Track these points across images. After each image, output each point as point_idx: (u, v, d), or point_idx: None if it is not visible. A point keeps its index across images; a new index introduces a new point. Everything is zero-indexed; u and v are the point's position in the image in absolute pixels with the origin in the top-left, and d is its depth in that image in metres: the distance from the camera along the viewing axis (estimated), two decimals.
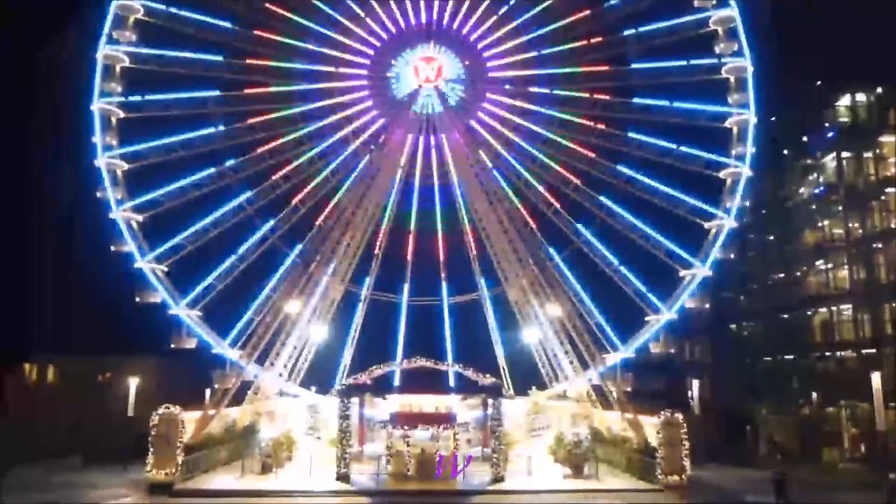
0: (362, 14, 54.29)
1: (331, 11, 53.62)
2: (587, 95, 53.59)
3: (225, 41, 51.52)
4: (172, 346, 49.95)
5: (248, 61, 52.19)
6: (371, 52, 54.73)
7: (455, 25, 55.13)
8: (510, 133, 55.35)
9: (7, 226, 64.25)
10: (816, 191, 60.03)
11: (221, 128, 51.90)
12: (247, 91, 52.29)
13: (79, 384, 62.04)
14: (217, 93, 51.75)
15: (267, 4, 52.14)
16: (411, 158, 56.93)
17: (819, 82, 60.78)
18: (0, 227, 64.05)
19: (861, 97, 58.47)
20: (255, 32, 52.07)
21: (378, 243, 57.64)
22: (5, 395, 60.30)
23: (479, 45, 55.09)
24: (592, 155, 53.06)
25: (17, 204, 68.86)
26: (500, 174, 54.68)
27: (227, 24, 51.39)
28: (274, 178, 52.64)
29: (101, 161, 48.62)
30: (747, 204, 53.01)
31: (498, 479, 39.64)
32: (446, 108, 53.55)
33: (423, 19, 54.97)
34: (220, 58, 51.44)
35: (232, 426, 47.04)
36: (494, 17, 54.85)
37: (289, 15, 52.60)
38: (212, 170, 51.29)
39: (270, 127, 52.89)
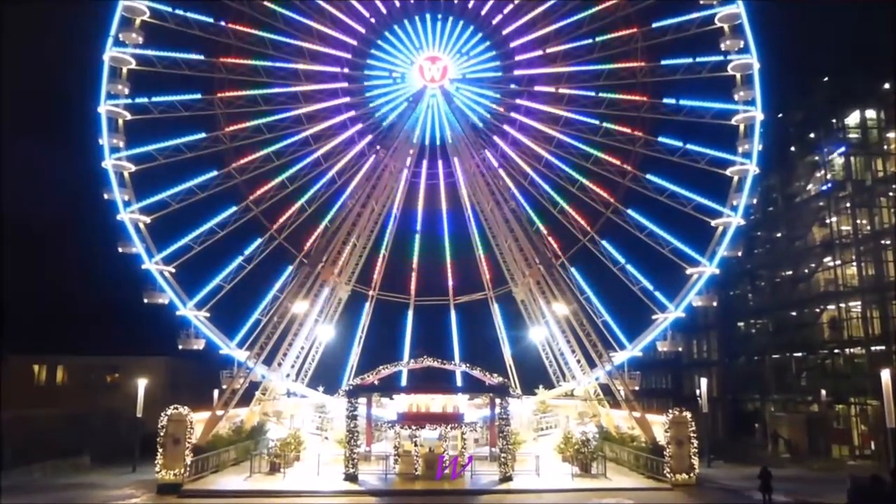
0: (367, 14, 54.29)
1: (339, 14, 53.65)
2: (592, 94, 53.57)
3: (230, 43, 51.67)
4: (180, 346, 50.29)
5: (252, 62, 52.30)
6: (376, 52, 54.77)
7: (461, 24, 55.10)
8: (515, 132, 55.38)
9: (14, 227, 64.58)
10: (824, 187, 59.74)
11: (228, 129, 52.10)
12: (252, 92, 52.52)
13: (88, 384, 62.35)
14: (222, 94, 51.93)
15: (270, 4, 52.22)
16: (417, 158, 57.03)
17: (826, 78, 60.46)
18: (9, 229, 64.34)
19: (869, 92, 58.02)
20: (260, 34, 52.15)
21: (384, 243, 57.78)
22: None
23: (485, 45, 55.05)
24: (598, 153, 53.08)
25: (24, 204, 69.28)
26: (507, 174, 54.70)
27: (233, 26, 51.51)
28: (280, 178, 52.86)
29: (108, 163, 48.86)
30: (754, 201, 52.93)
31: (506, 478, 39.58)
32: (452, 108, 53.59)
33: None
34: (225, 59, 51.62)
35: (240, 427, 47.22)
36: (500, 16, 54.82)
37: (293, 16, 52.70)
38: (218, 171, 51.51)
39: (276, 127, 53.09)
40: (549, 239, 54.80)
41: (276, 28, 52.47)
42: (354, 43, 54.34)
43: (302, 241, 53.95)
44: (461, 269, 59.40)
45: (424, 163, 57.49)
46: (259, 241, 52.44)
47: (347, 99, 54.79)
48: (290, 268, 53.06)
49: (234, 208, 51.69)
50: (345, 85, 54.64)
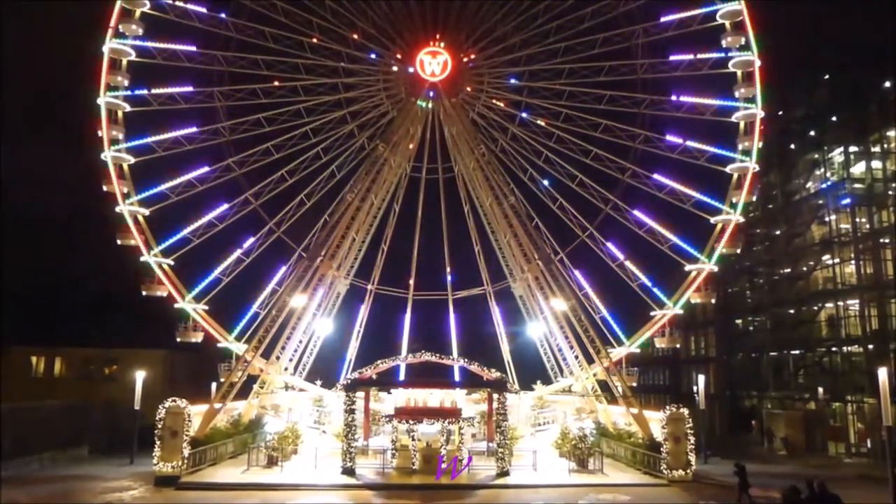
0: (365, 7, 54.01)
1: (340, 9, 53.39)
2: (593, 90, 53.41)
3: (230, 35, 51.56)
4: (179, 339, 50.38)
5: (254, 56, 52.13)
6: (376, 46, 54.52)
7: (461, 18, 54.81)
8: (515, 128, 55.29)
9: (13, 219, 64.57)
10: (823, 185, 59.72)
11: (227, 122, 52.06)
12: (253, 85, 52.41)
13: (86, 376, 62.36)
14: (222, 87, 51.86)
15: None
16: (417, 153, 56.92)
17: (827, 76, 60.38)
18: (7, 221, 64.31)
19: (868, 89, 57.91)
20: (260, 27, 51.92)
21: (384, 237, 57.78)
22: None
23: (486, 39, 54.81)
24: (598, 150, 53.05)
25: (24, 196, 69.27)
26: (506, 169, 54.67)
27: (233, 19, 51.37)
28: (280, 172, 52.81)
29: (107, 155, 48.81)
30: (754, 198, 52.93)
31: (503, 473, 39.70)
32: (452, 103, 53.41)
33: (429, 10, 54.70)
34: (225, 52, 51.55)
35: (238, 420, 47.32)
36: (501, 11, 54.55)
37: (292, 8, 52.44)
38: (218, 164, 51.50)
39: (276, 121, 52.99)
40: (548, 235, 54.85)
41: (276, 21, 52.28)
42: (356, 37, 54.06)
43: (301, 234, 53.99)
44: (460, 264, 59.54)
45: (425, 157, 57.39)
46: (258, 234, 52.45)
47: (348, 93, 54.59)
48: (290, 261, 53.10)
49: (234, 200, 51.73)
50: (345, 79, 54.42)
